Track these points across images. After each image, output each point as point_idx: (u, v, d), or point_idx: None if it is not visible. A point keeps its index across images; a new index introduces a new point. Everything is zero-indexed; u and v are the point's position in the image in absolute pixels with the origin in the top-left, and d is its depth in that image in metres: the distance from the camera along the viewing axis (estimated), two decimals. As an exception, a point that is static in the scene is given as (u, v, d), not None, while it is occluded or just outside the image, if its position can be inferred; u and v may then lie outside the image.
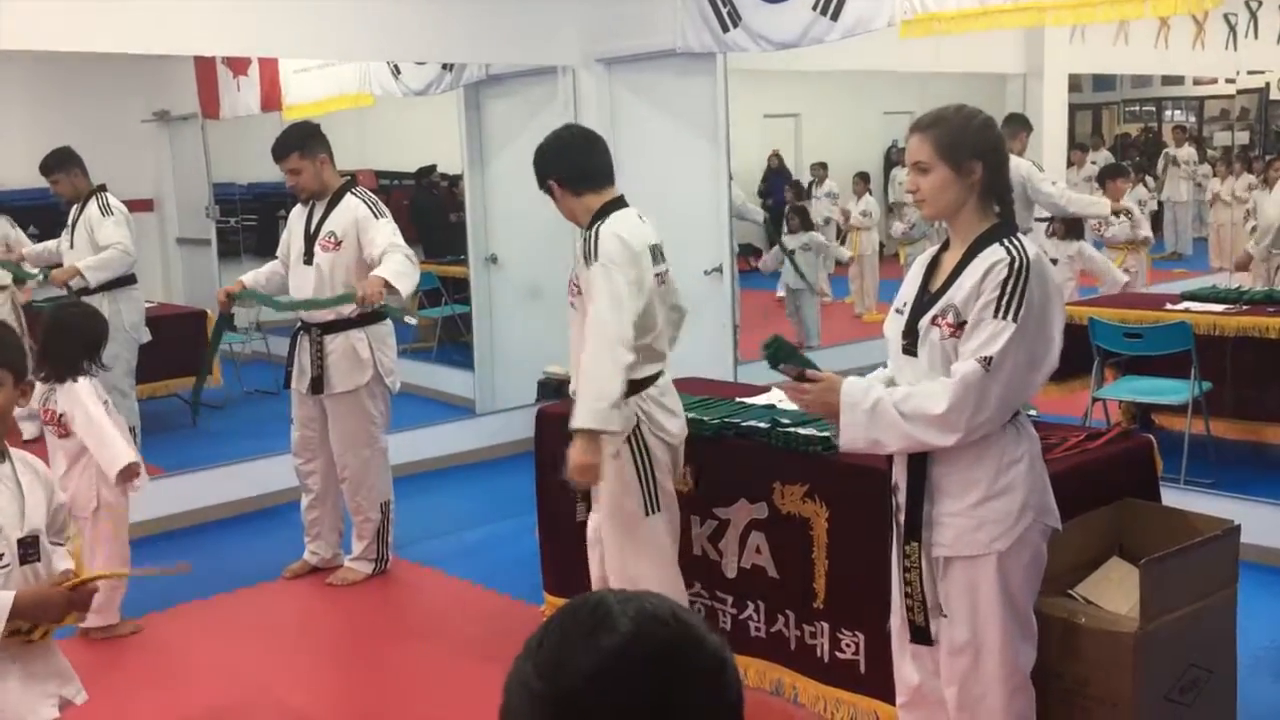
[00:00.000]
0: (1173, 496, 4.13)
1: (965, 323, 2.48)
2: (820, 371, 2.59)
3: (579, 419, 3.13)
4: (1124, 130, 16.53)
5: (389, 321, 4.70)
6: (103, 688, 3.50)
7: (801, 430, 3.39)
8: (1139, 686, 2.82)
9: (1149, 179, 12.57)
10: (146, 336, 6.09)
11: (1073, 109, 13.68)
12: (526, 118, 6.59)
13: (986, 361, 2.41)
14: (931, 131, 2.55)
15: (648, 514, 3.30)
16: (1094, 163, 12.15)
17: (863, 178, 10.67)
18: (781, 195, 11.33)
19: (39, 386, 4.19)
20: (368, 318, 4.57)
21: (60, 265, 5.99)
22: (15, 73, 7.62)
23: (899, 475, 2.66)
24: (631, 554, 3.35)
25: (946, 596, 2.60)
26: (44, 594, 2.22)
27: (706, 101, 5.96)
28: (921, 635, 2.67)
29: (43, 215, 8.65)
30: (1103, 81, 15.24)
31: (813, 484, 3.32)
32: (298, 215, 4.71)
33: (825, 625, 3.37)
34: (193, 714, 3.69)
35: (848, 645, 3.32)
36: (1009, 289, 2.44)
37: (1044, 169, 7.76)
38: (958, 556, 2.58)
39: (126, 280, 5.97)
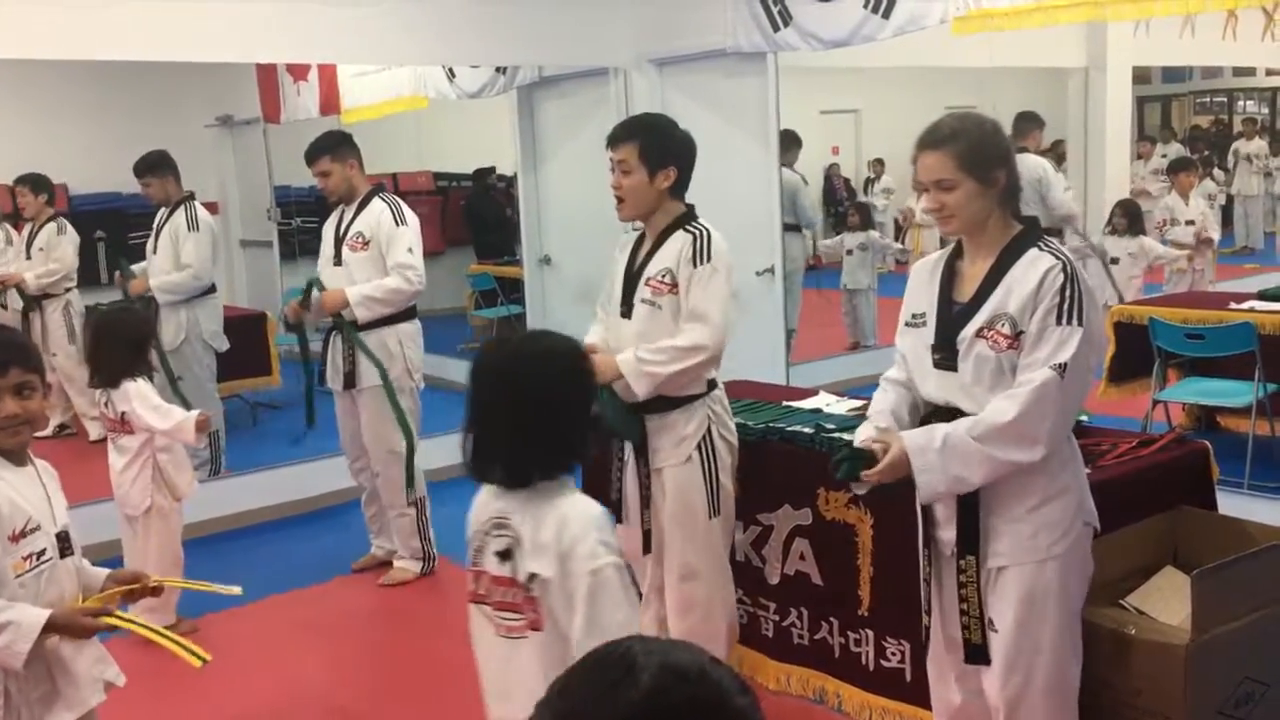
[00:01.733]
0: (1236, 501, 4.04)
1: (1022, 333, 2.43)
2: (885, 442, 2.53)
3: (628, 364, 3.18)
4: (1195, 122, 16.17)
5: (417, 320, 4.81)
6: (154, 686, 3.57)
7: (847, 435, 3.35)
8: (1191, 700, 2.75)
9: (1218, 172, 12.30)
10: (224, 345, 6.10)
11: (1141, 101, 13.42)
12: (579, 119, 6.61)
13: (1061, 369, 2.39)
14: (951, 146, 2.48)
15: (710, 516, 3.30)
16: (1163, 155, 11.90)
17: (922, 175, 10.53)
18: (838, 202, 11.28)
19: (96, 392, 4.30)
20: (398, 316, 4.68)
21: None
22: (82, 79, 7.79)
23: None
24: (692, 555, 3.33)
25: (999, 609, 2.55)
26: (73, 616, 2.29)
27: (758, 101, 5.93)
28: (979, 654, 2.59)
29: (110, 220, 8.86)
30: (1172, 73, 14.91)
31: (857, 491, 3.28)
32: (329, 223, 4.84)
33: (870, 633, 3.33)
34: (239, 713, 3.75)
35: (893, 653, 3.28)
36: (1069, 293, 2.41)
37: (1101, 167, 7.67)
38: (1014, 565, 2.53)
39: (205, 290, 6.02)
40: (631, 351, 3.22)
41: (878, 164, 12.17)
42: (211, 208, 9.37)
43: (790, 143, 8.50)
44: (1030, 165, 6.65)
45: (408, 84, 7.50)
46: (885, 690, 3.31)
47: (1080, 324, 2.40)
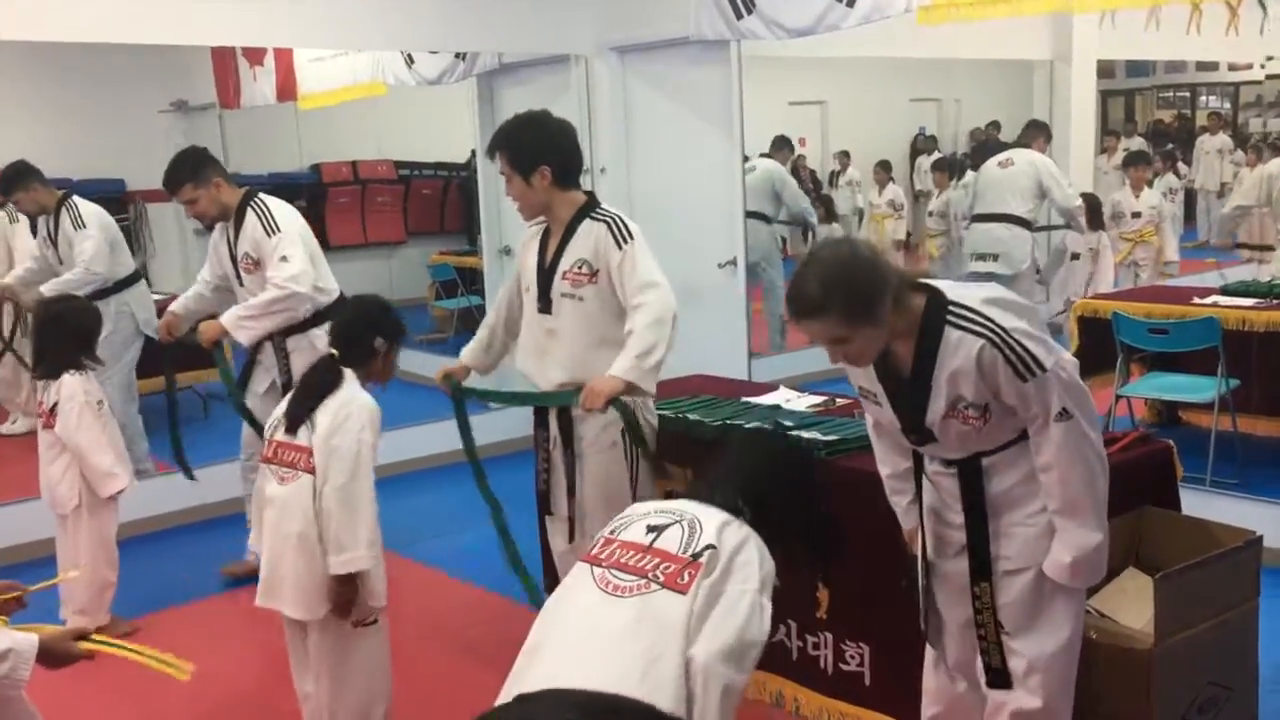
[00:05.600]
0: (1197, 497, 4.00)
1: (988, 406, 2.36)
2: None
3: (622, 366, 3.19)
4: (1158, 117, 16.25)
5: None
6: (90, 690, 3.45)
7: (805, 434, 3.28)
8: (1154, 705, 2.70)
9: (1181, 166, 12.34)
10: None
11: (1105, 95, 13.46)
12: (540, 106, 6.44)
13: (1063, 414, 2.32)
14: (830, 310, 2.26)
15: (633, 499, 3.31)
16: (1126, 149, 11.94)
17: (884, 166, 10.53)
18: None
19: (37, 382, 4.16)
20: (327, 313, 4.41)
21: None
22: (34, 61, 7.61)
23: (949, 501, 2.53)
24: None
25: (1011, 613, 2.48)
26: (60, 642, 2.18)
27: (720, 90, 5.83)
28: (1001, 678, 2.53)
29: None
30: (1136, 67, 14.98)
31: (817, 490, 3.20)
32: (219, 237, 4.57)
33: (829, 636, 3.25)
34: (185, 715, 3.62)
35: (852, 656, 3.20)
36: (1013, 357, 2.30)
37: (1066, 161, 7.72)
38: (1023, 568, 2.46)
39: (130, 279, 5.78)
40: (623, 361, 3.22)
41: (843, 156, 12.13)
42: (166, 195, 9.20)
43: (781, 144, 8.48)
44: (1039, 164, 6.82)
45: (366, 70, 7.36)
46: (844, 694, 3.24)
47: (1042, 370, 2.30)
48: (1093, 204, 7.01)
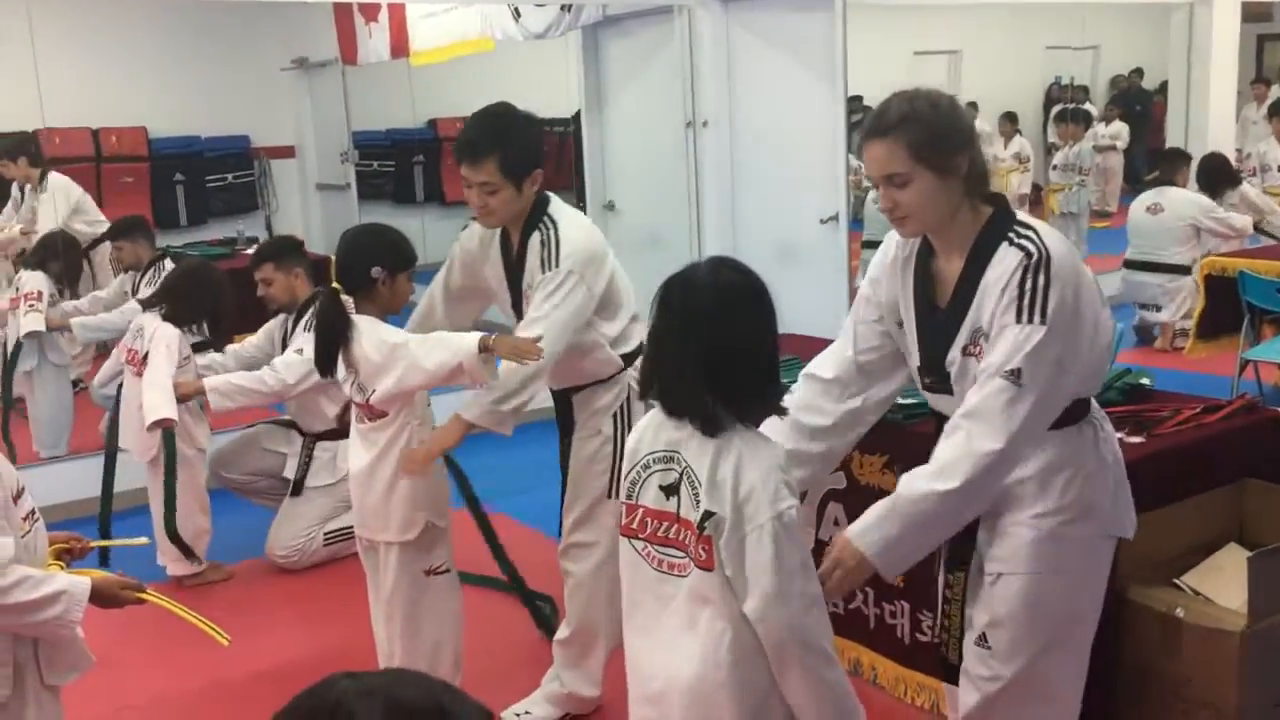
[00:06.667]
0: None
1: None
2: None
3: (472, 410, 2.89)
4: (1320, 63, 15.25)
5: None
6: (178, 634, 3.55)
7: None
8: (1245, 691, 2.54)
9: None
10: None
11: (1261, 39, 12.67)
12: (644, 59, 6.42)
13: (1014, 375, 2.02)
14: (902, 134, 2.09)
15: (608, 495, 3.09)
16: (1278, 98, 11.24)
17: (1010, 119, 10.15)
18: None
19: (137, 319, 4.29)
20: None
21: None
22: (160, 20, 7.82)
23: None
24: (582, 532, 3.19)
25: (995, 621, 2.22)
26: (112, 587, 2.24)
27: (825, 41, 5.66)
28: (953, 674, 2.34)
29: (188, 163, 8.96)
30: (1295, 9, 14.07)
31: (893, 454, 3.08)
32: (277, 328, 4.51)
33: (905, 605, 3.15)
34: (266, 671, 3.69)
35: (929, 628, 3.10)
36: (1029, 286, 2.05)
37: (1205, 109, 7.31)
38: (1011, 573, 2.20)
39: None
40: (480, 401, 2.90)
41: (971, 107, 11.72)
42: (289, 151, 9.43)
43: None
44: (1188, 208, 6.63)
45: (474, 25, 7.35)
46: (922, 665, 3.13)
47: (1043, 320, 2.03)
48: (1213, 166, 6.61)
